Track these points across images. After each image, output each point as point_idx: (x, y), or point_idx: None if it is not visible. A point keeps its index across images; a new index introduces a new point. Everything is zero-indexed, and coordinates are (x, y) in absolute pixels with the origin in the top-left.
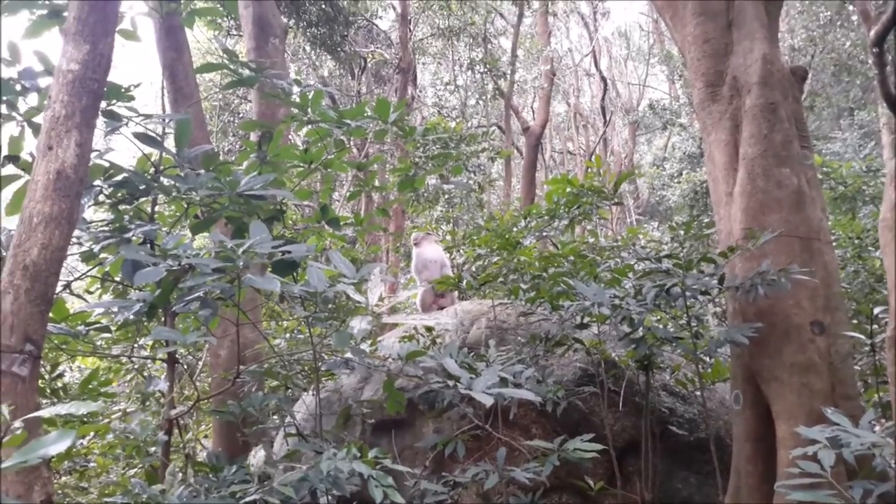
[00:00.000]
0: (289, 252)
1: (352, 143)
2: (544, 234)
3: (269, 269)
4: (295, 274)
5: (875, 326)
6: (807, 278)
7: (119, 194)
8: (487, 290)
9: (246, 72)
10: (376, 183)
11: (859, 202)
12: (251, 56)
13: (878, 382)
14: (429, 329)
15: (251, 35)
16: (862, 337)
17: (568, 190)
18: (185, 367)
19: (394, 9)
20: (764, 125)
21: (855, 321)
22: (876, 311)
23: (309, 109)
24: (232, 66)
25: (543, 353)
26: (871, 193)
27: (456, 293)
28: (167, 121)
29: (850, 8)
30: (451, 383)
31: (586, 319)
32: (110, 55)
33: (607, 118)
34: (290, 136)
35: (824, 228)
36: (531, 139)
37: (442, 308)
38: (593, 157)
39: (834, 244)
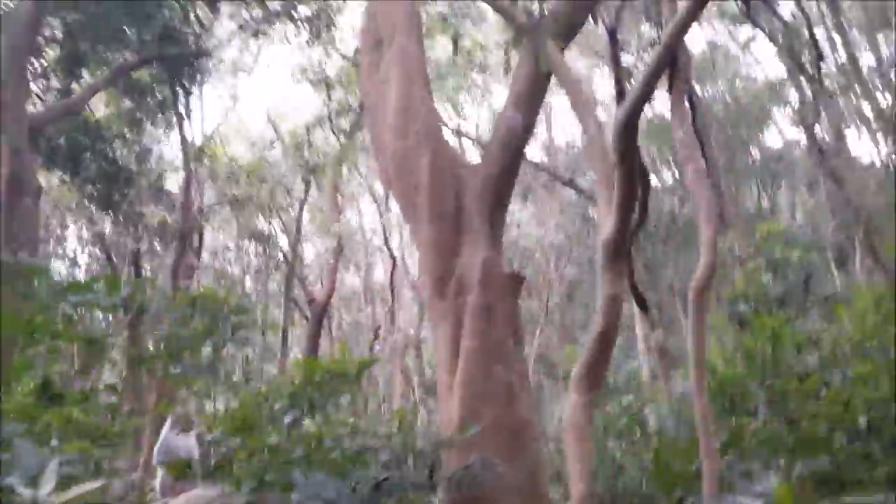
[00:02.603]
0: None
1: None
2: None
3: None
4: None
5: None
6: (513, 472)
7: None
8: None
9: None
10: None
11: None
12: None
13: None
14: None
15: (3, 193)
16: None
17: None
18: None
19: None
20: (482, 323)
21: None
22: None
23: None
24: None
25: None
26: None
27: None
28: None
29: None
30: None
31: None
32: None
33: (395, 293)
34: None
35: (532, 422)
36: (316, 310)
37: (180, 493)
38: (375, 334)
39: None
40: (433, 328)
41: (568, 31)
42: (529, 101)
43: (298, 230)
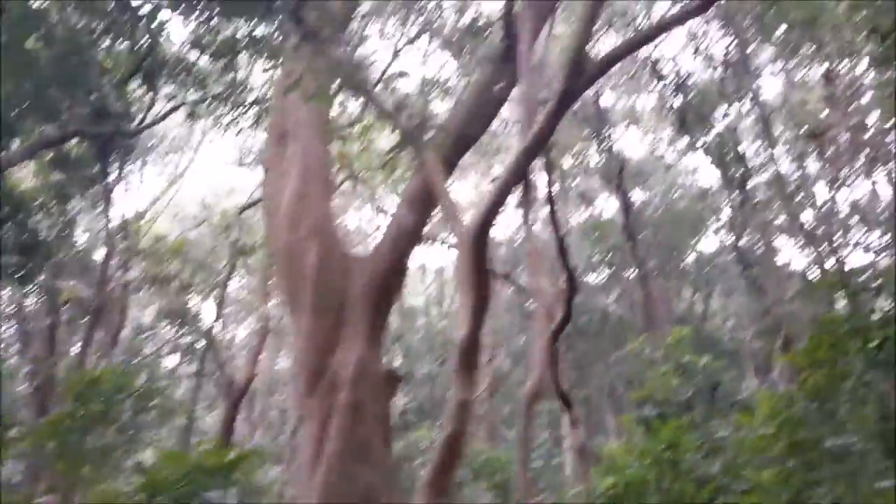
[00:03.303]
0: None
1: None
2: None
3: None
4: None
5: None
6: None
7: None
8: None
9: None
10: None
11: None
12: None
13: None
14: None
15: None
16: None
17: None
18: None
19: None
20: (349, 422)
21: None
22: None
23: None
24: None
25: None
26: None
27: None
28: None
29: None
30: None
31: None
32: None
33: None
34: None
35: None
36: (234, 394)
37: None
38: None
39: None
40: (302, 425)
41: (460, 143)
42: (422, 203)
43: (219, 312)
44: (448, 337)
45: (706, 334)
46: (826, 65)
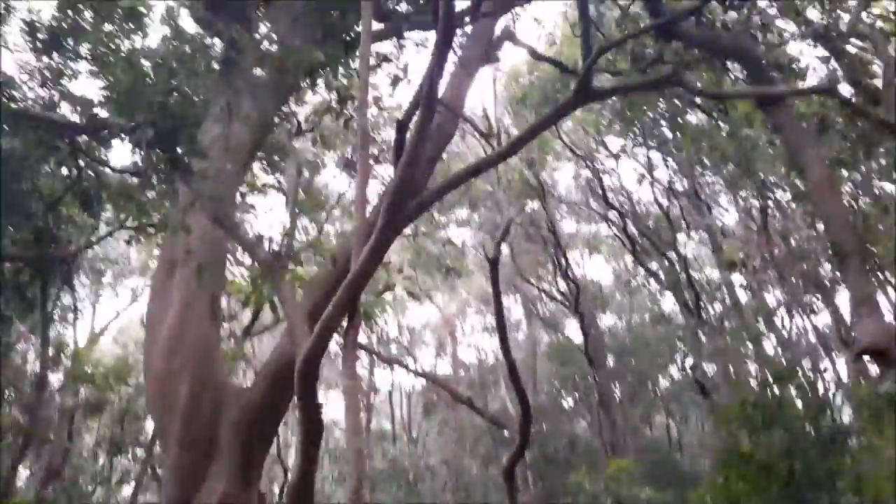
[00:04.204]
0: None
1: None
2: None
3: None
4: None
5: None
6: None
7: None
8: None
9: None
10: None
11: None
12: None
13: None
14: None
15: None
16: None
17: None
18: None
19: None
20: None
21: None
22: None
23: None
24: None
25: None
26: None
27: None
28: None
29: (506, 434)
30: None
31: None
32: None
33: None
34: None
35: None
36: None
37: None
38: None
39: None
40: None
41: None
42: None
43: (153, 442)
44: (414, 462)
45: (672, 464)
46: (759, 198)
